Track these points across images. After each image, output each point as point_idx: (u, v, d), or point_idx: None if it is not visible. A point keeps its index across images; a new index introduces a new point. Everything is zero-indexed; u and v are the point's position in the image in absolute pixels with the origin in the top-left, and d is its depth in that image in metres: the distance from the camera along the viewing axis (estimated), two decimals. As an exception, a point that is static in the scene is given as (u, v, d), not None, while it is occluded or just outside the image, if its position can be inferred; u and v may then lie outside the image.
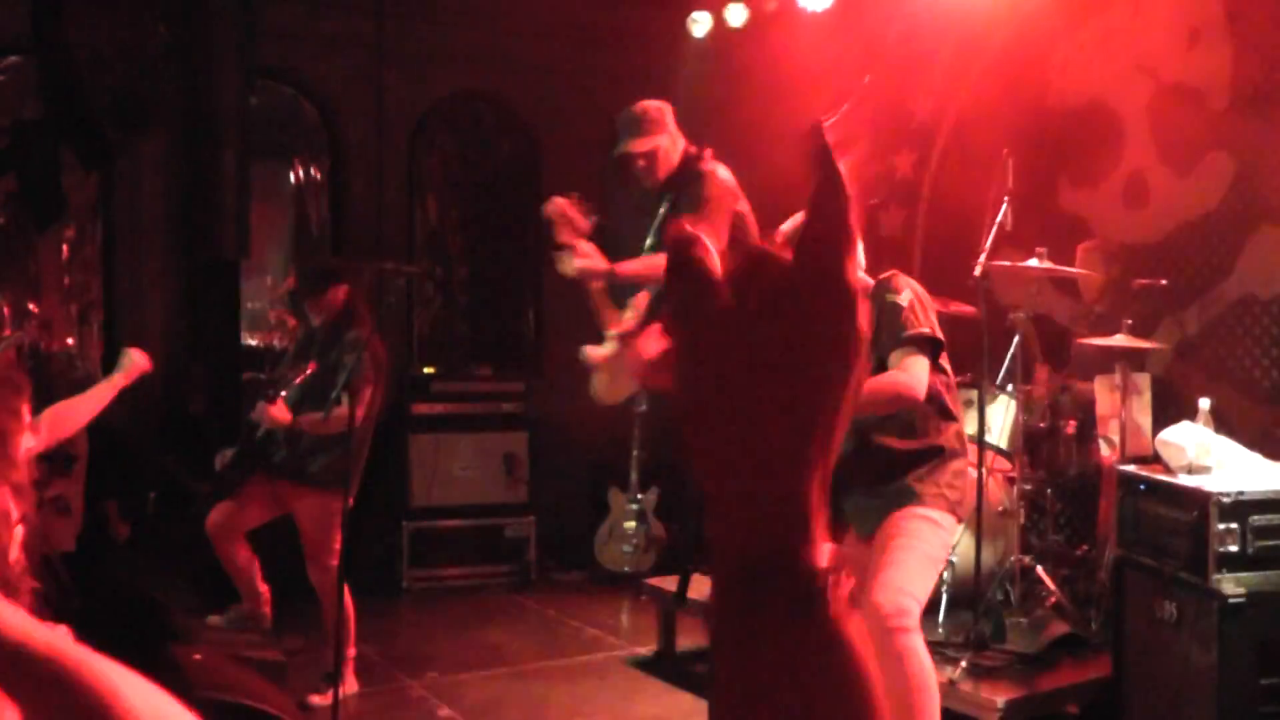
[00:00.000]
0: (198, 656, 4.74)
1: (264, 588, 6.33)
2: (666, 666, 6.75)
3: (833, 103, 3.75)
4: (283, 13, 8.75)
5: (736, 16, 9.23)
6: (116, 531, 7.40)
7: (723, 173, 5.46)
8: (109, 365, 8.92)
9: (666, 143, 5.57)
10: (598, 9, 9.90)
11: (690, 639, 6.88)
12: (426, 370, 8.99)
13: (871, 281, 4.36)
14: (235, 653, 5.24)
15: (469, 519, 8.46)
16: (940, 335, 4.34)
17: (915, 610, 4.15)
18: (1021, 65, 7.18)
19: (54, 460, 7.08)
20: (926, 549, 4.24)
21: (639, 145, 5.53)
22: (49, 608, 4.05)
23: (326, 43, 9.36)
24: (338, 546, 5.90)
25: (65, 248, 9.08)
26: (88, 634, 3.90)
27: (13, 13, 7.46)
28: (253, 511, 6.25)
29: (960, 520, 4.50)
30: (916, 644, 4.13)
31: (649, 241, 5.50)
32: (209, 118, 7.91)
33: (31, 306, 8.94)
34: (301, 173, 10.02)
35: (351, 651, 6.15)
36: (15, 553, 3.58)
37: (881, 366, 4.19)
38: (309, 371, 6.04)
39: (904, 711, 3.96)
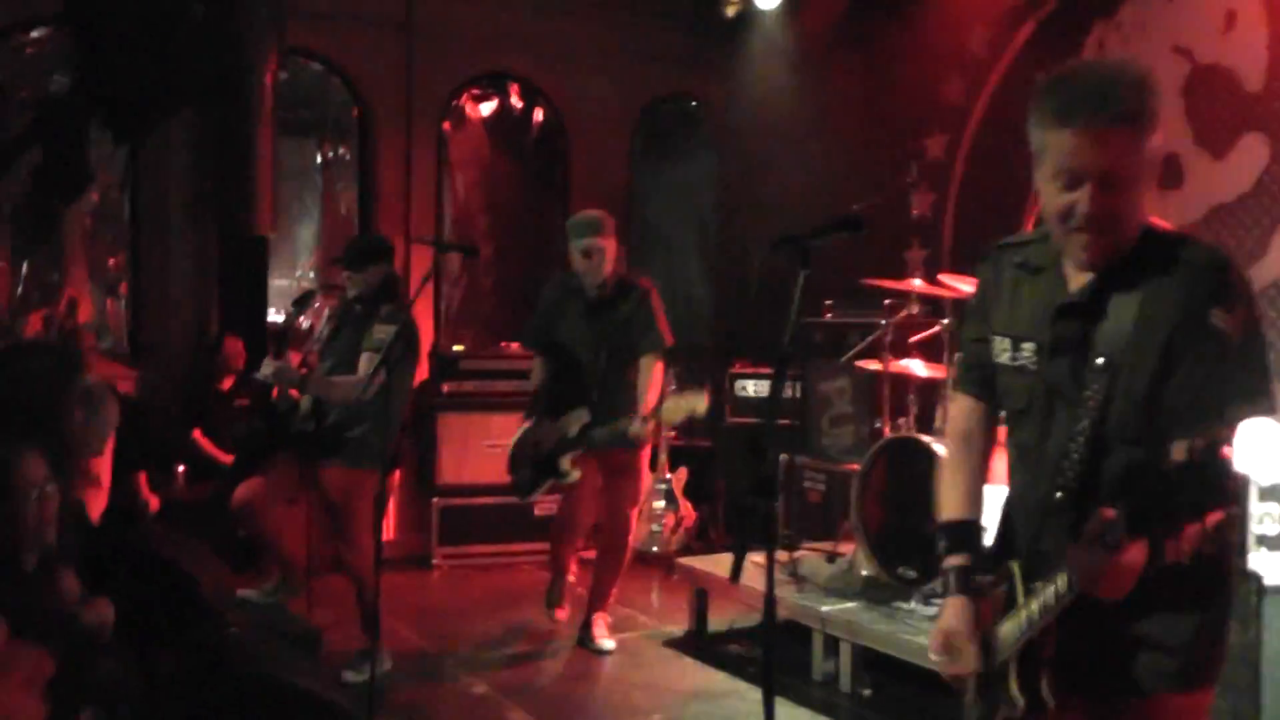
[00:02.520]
0: (232, 629, 4.81)
1: (299, 559, 6.38)
2: (699, 645, 6.78)
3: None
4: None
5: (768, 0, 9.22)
6: (146, 504, 7.44)
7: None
8: (134, 339, 9.05)
9: (612, 247, 6.40)
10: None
11: (721, 618, 6.92)
12: (455, 348, 9.00)
13: None
14: (269, 626, 5.31)
15: (498, 496, 8.47)
16: None
17: None
18: (1056, 45, 7.13)
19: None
20: None
21: (603, 242, 6.34)
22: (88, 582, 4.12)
23: (357, 21, 9.37)
24: (367, 525, 5.88)
25: (90, 221, 9.13)
26: (122, 609, 3.96)
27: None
28: (280, 486, 6.29)
29: None
30: None
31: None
32: (240, 94, 7.95)
33: (57, 280, 8.99)
34: (330, 151, 10.05)
35: (385, 627, 6.17)
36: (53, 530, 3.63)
37: None
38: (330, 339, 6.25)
39: None
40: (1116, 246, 2.48)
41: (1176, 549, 2.25)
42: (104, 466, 7.33)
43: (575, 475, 6.37)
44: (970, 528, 2.79)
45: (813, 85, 8.85)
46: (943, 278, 6.59)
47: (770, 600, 3.34)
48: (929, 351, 6.75)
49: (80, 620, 3.56)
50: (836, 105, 8.63)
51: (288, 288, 10.31)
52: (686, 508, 8.63)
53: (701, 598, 7.03)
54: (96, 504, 7.19)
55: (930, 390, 6.72)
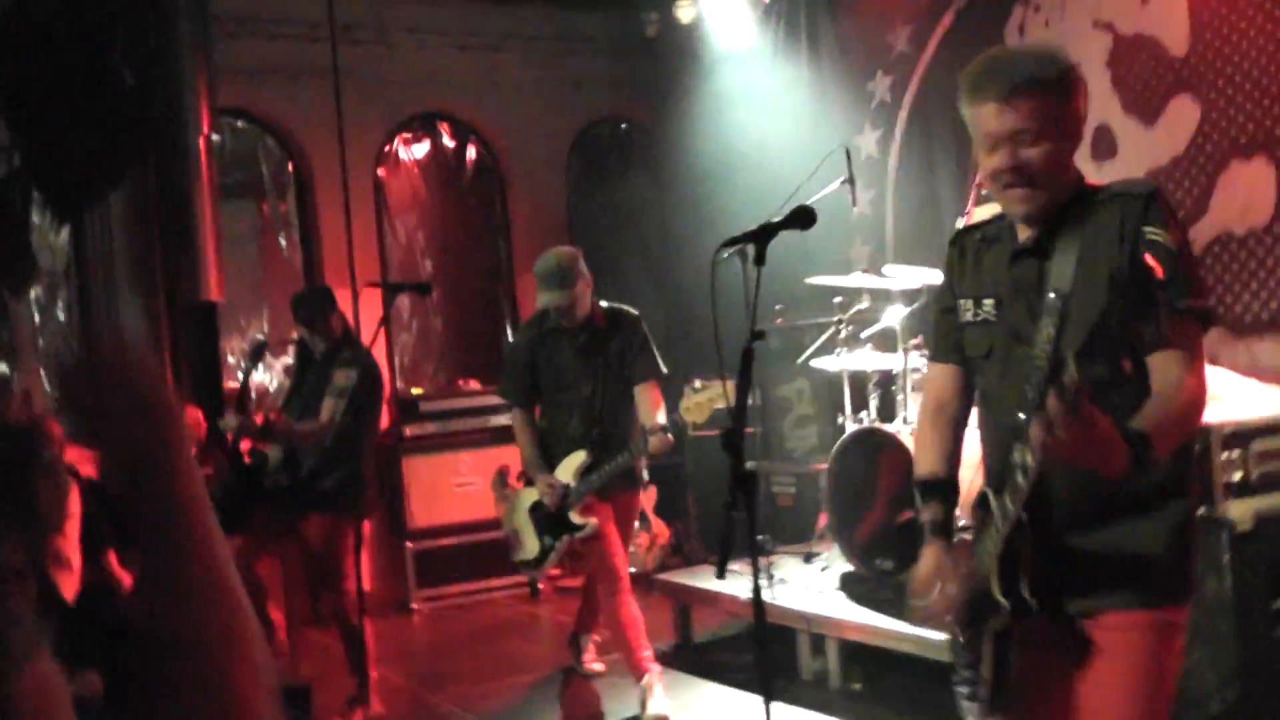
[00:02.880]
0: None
1: (277, 616, 6.34)
2: (687, 658, 6.80)
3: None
4: (239, 47, 8.80)
5: (686, 13, 9.29)
6: (119, 581, 7.39)
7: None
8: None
9: (584, 287, 5.93)
10: (550, 18, 9.98)
11: (704, 630, 6.94)
12: (414, 391, 9.00)
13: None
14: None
15: (471, 534, 8.48)
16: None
17: None
18: (976, 33, 7.25)
19: (47, 519, 7.11)
20: (1169, 691, 2.85)
21: (564, 298, 5.83)
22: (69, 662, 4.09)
23: (284, 75, 9.39)
24: (351, 570, 5.92)
25: (35, 312, 9.07)
26: (107, 684, 3.94)
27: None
28: (260, 544, 6.26)
29: None
30: None
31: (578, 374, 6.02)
32: (176, 159, 7.94)
33: (7, 372, 8.92)
34: (269, 209, 10.03)
35: (374, 674, 6.17)
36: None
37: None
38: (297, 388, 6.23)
39: None
40: (1052, 199, 2.75)
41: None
42: (72, 548, 7.30)
43: (592, 524, 5.82)
44: (943, 483, 3.03)
45: (742, 91, 8.93)
46: (888, 269, 6.66)
47: (759, 596, 3.39)
48: (883, 344, 6.81)
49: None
50: (768, 110, 8.71)
51: (238, 349, 10.27)
52: (659, 525, 8.66)
53: (684, 611, 7.05)
54: (69, 586, 7.16)
55: (889, 382, 6.77)
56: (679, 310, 9.99)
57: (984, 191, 4.27)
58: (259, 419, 6.24)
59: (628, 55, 10.07)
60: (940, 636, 3.48)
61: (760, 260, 3.45)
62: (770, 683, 3.51)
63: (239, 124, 9.63)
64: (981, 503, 2.81)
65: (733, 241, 3.54)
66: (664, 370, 6.02)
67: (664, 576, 7.27)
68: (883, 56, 8.09)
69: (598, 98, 10.44)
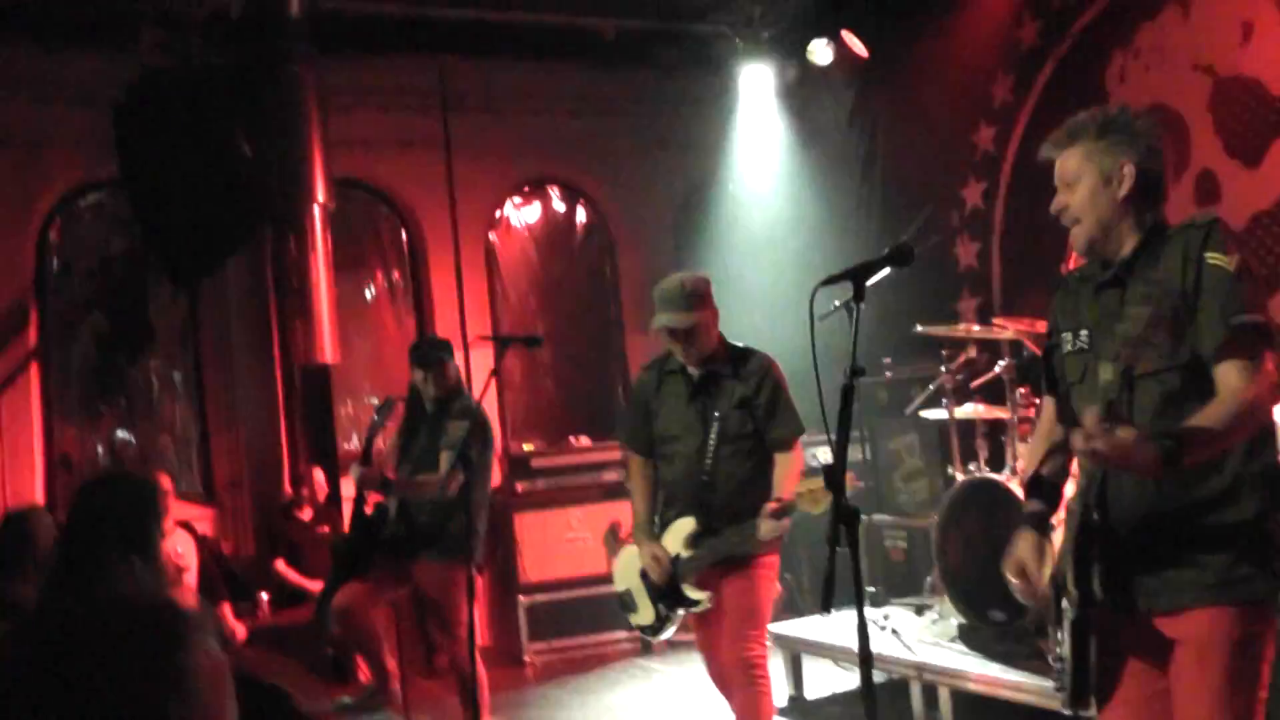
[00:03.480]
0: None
1: (392, 664, 6.44)
2: (800, 711, 6.76)
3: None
4: (353, 119, 9.08)
5: (788, 74, 9.39)
6: (233, 633, 7.59)
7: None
8: (207, 478, 9.26)
9: (709, 318, 5.13)
10: (652, 81, 10.14)
11: (819, 686, 6.92)
12: (525, 448, 9.12)
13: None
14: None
15: (583, 589, 8.54)
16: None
17: None
18: (1079, 79, 7.25)
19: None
20: (1255, 682, 2.97)
21: (681, 320, 5.06)
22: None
23: (396, 145, 9.67)
24: (465, 617, 5.72)
25: (155, 379, 9.39)
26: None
27: (95, 151, 7.81)
28: (379, 591, 6.35)
29: None
30: None
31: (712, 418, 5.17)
32: (294, 227, 8.23)
33: (127, 436, 9.24)
34: (383, 278, 10.27)
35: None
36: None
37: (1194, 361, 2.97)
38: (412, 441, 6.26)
39: None
40: (1099, 236, 3.13)
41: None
42: (190, 604, 7.52)
43: (706, 598, 5.10)
44: (1044, 481, 3.33)
45: (847, 150, 8.99)
46: (997, 320, 6.64)
47: (864, 628, 3.36)
48: (991, 394, 6.78)
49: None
50: (872, 165, 8.77)
51: (353, 418, 10.50)
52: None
53: (796, 662, 7.03)
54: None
55: (998, 431, 6.74)
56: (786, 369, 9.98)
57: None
58: (382, 472, 6.37)
59: (732, 114, 10.17)
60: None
61: (859, 297, 3.44)
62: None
63: (354, 194, 9.90)
64: (1069, 507, 3.11)
65: (831, 279, 3.51)
66: (801, 425, 5.16)
67: (775, 627, 7.23)
68: (985, 107, 8.11)
69: (704, 160, 10.56)
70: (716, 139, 10.32)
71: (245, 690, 5.11)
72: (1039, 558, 3.14)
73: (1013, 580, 3.22)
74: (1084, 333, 3.19)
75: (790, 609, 8.58)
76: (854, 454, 8.46)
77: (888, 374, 8.00)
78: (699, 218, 10.88)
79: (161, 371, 9.37)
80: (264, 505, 9.12)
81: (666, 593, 5.16)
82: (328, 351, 8.45)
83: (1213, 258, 2.88)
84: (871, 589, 7.20)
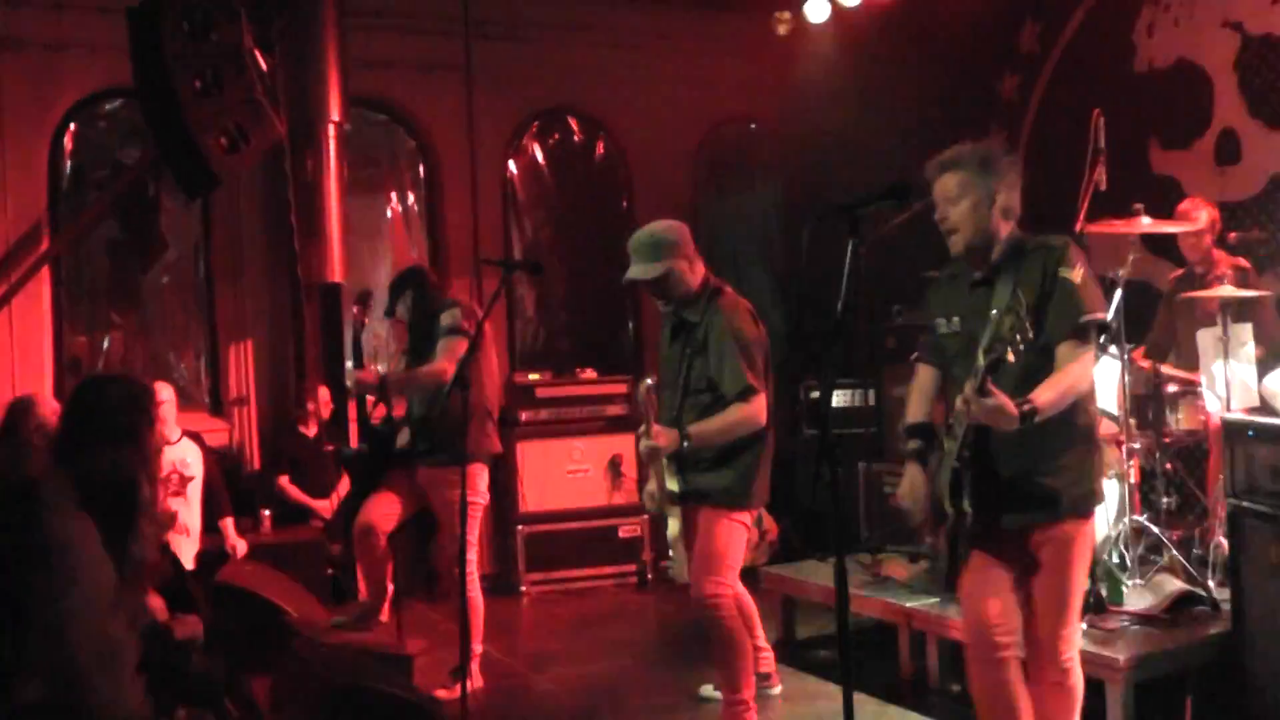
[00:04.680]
0: (324, 650, 4.91)
1: (390, 587, 6.47)
2: (789, 652, 6.79)
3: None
4: (374, 40, 9.00)
5: (817, 13, 9.26)
6: (234, 548, 7.65)
7: (738, 307, 5.33)
8: (216, 395, 9.30)
9: (681, 266, 5.27)
10: (679, 16, 10.04)
11: (810, 627, 6.95)
12: (531, 377, 9.12)
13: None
14: (361, 647, 5.41)
15: (581, 521, 8.57)
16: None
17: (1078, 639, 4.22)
18: (1107, 30, 7.15)
19: (168, 482, 7.40)
20: (1084, 572, 4.16)
21: (647, 271, 5.26)
22: (169, 601, 4.29)
23: (416, 67, 9.60)
24: (473, 536, 6.00)
25: (167, 292, 9.41)
26: (217, 633, 4.12)
27: (113, 57, 7.77)
28: (396, 505, 6.34)
29: None
30: (1080, 669, 4.17)
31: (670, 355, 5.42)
32: (308, 142, 8.19)
33: (138, 349, 9.28)
34: (398, 203, 10.24)
35: (479, 648, 6.27)
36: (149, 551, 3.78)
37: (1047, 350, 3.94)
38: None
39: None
40: (974, 244, 4.02)
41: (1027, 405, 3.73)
42: (192, 516, 7.58)
43: (673, 528, 5.54)
44: (924, 426, 4.31)
45: (868, 92, 8.89)
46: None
47: (841, 565, 3.37)
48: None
49: (172, 633, 3.70)
50: (895, 111, 8.67)
51: (364, 342, 10.51)
52: (769, 521, 8.63)
53: (789, 606, 7.06)
54: (189, 551, 7.44)
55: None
56: (801, 311, 9.97)
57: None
58: (371, 373, 6.31)
59: (758, 56, 10.07)
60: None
61: (854, 232, 3.47)
62: (850, 664, 3.50)
63: (373, 116, 9.85)
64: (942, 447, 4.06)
65: (825, 210, 3.54)
66: (747, 381, 5.15)
67: (768, 570, 7.27)
68: (1011, 56, 8.01)
69: (727, 98, 10.47)
70: (741, 78, 10.23)
71: (240, 604, 5.17)
72: (923, 484, 4.15)
73: (904, 502, 4.23)
74: (956, 319, 4.12)
75: (786, 552, 8.61)
76: (858, 399, 8.45)
77: (898, 319, 7.96)
78: (719, 155, 10.82)
79: (173, 283, 9.38)
80: (271, 422, 9.14)
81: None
82: (337, 270, 8.43)
83: (1064, 273, 3.89)
84: (867, 534, 7.20)
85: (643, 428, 5.31)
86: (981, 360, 3.63)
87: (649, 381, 5.39)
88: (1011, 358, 3.64)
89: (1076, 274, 3.90)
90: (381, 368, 9.38)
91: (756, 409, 5.17)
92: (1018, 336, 3.54)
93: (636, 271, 5.27)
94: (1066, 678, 4.10)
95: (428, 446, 6.15)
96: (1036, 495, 3.98)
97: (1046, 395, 3.79)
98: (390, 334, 9.70)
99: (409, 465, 6.26)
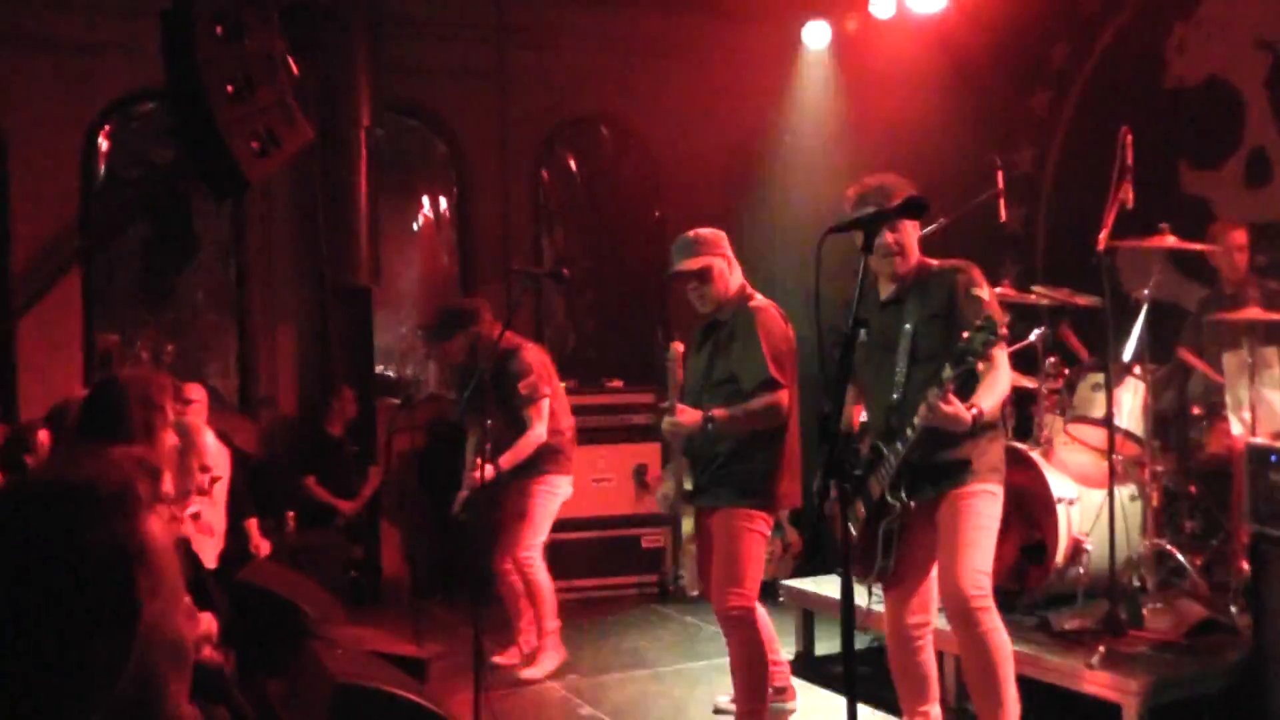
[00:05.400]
0: (338, 650, 4.93)
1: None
2: (806, 667, 6.77)
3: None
4: (407, 45, 9.05)
5: (851, 25, 9.26)
6: (257, 548, 7.69)
7: (769, 308, 5.44)
8: (245, 395, 9.36)
9: (721, 264, 5.44)
10: (712, 27, 10.04)
11: (828, 643, 6.92)
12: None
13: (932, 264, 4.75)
14: (375, 649, 5.43)
15: (604, 530, 8.58)
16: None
17: (989, 587, 4.57)
18: (1138, 48, 7.11)
19: (199, 481, 7.42)
20: (992, 525, 4.61)
21: (690, 264, 5.40)
22: (196, 600, 4.30)
23: (450, 74, 9.63)
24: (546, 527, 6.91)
25: (200, 293, 9.48)
26: (231, 633, 4.12)
27: (147, 61, 7.84)
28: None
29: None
30: (997, 620, 4.55)
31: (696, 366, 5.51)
32: (339, 147, 8.24)
33: (169, 348, 9.35)
34: (429, 208, 10.29)
35: (556, 623, 6.85)
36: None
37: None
38: (489, 425, 6.40)
39: (990, 685, 4.53)
40: (904, 269, 4.65)
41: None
42: (216, 516, 7.62)
43: (689, 533, 5.59)
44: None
45: (900, 103, 8.87)
46: (1037, 289, 6.55)
47: (848, 586, 3.37)
48: (1022, 363, 6.69)
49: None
50: (923, 122, 8.64)
51: (392, 343, 10.58)
52: (792, 534, 8.63)
53: (808, 619, 7.03)
54: (212, 550, 7.47)
55: (1026, 401, 6.66)
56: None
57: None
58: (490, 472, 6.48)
59: (789, 66, 10.06)
60: (1052, 658, 5.34)
61: (868, 249, 3.50)
62: (855, 680, 3.49)
63: (406, 121, 9.89)
64: (873, 449, 4.64)
65: (840, 227, 3.56)
66: (770, 373, 5.22)
67: (788, 583, 7.25)
68: (1042, 72, 7.97)
69: (759, 108, 10.45)
70: (773, 89, 10.21)
71: (258, 602, 5.17)
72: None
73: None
74: (862, 332, 4.20)
75: (805, 565, 8.59)
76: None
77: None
78: (750, 167, 10.80)
79: (204, 283, 9.45)
80: (298, 422, 9.19)
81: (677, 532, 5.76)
82: (366, 274, 8.47)
83: (975, 291, 4.43)
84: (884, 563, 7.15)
85: (666, 403, 5.46)
86: (949, 371, 4.18)
87: (678, 346, 5.51)
88: (981, 367, 4.24)
89: (985, 291, 4.47)
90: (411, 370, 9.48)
91: (778, 400, 5.22)
92: (986, 350, 4.11)
93: (680, 263, 5.41)
94: (977, 624, 4.45)
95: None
96: (953, 466, 4.53)
97: (989, 400, 4.41)
98: (422, 339, 9.81)
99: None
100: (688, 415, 5.25)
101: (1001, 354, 4.50)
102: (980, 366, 4.26)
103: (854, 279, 3.48)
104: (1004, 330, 4.30)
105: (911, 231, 4.66)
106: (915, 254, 4.70)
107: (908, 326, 4.53)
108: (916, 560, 4.68)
